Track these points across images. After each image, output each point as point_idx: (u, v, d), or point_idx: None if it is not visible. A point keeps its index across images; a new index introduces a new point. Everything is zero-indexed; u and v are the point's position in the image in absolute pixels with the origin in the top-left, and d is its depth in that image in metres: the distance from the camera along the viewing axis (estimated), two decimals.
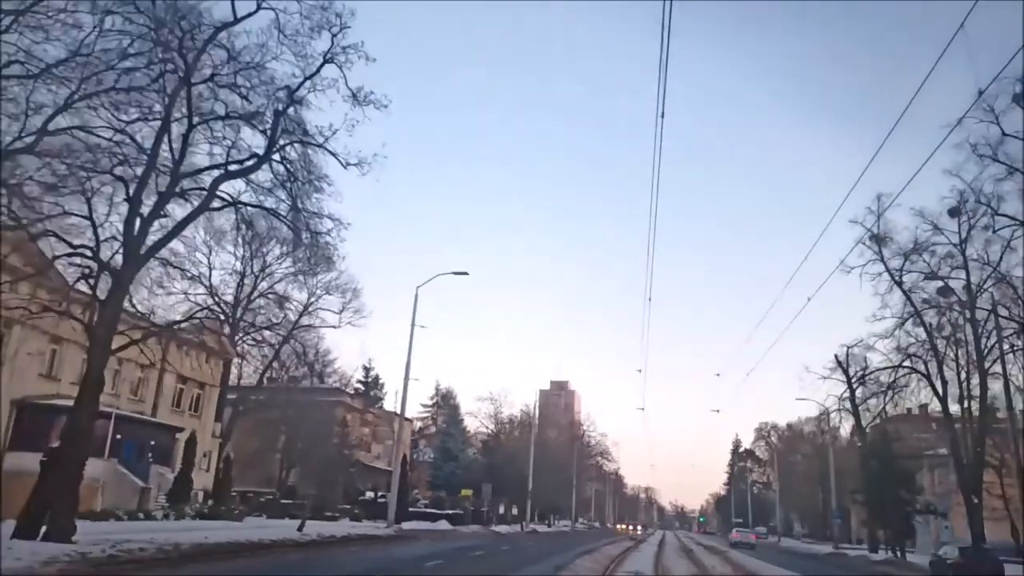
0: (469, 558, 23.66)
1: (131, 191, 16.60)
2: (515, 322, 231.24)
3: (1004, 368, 31.96)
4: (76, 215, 16.12)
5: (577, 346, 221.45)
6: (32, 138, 16.40)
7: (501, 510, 73.21)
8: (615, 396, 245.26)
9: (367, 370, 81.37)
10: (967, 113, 21.43)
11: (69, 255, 16.02)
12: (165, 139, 16.92)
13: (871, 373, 43.70)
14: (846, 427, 58.14)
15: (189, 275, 30.97)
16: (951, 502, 44.87)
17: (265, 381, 53.29)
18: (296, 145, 17.34)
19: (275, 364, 51.72)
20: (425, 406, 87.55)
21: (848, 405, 47.45)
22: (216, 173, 17.40)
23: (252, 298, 47.89)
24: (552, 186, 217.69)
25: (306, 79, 17.01)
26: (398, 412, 74.01)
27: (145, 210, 16.82)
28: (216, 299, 42.20)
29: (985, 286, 34.02)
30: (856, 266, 35.35)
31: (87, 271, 16.61)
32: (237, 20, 18.32)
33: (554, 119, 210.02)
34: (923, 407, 50.16)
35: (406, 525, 40.51)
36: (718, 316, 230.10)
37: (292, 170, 17.05)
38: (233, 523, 29.99)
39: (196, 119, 16.51)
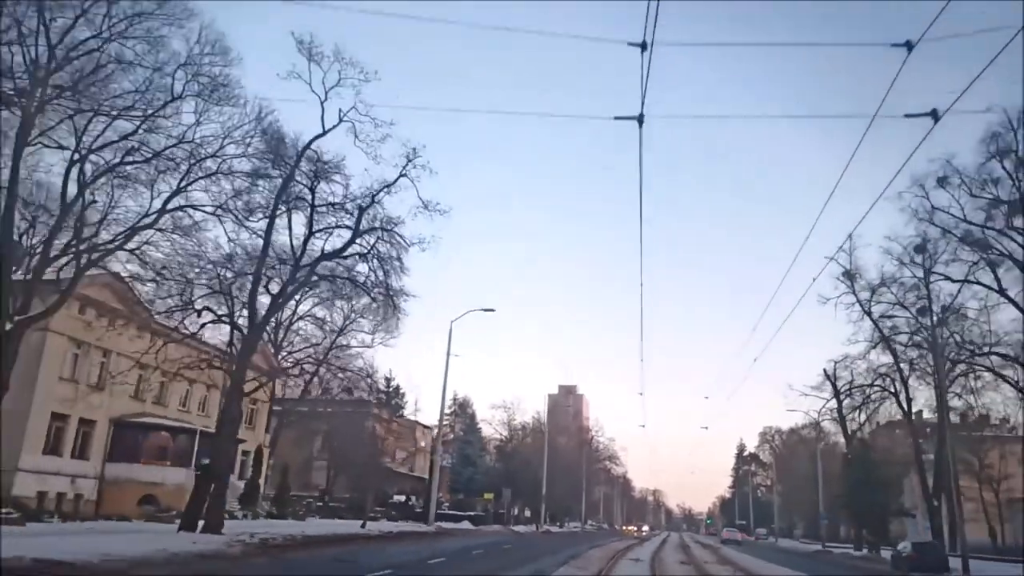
0: (502, 549, 29.24)
1: (256, 270, 22.28)
2: (524, 326, 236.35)
3: (942, 385, 36.32)
4: (216, 291, 21.84)
5: (585, 350, 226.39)
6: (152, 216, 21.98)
7: (515, 512, 78.67)
8: (622, 398, 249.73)
9: (388, 380, 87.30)
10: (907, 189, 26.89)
11: (214, 321, 21.80)
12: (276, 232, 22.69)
13: (852, 389, 48.98)
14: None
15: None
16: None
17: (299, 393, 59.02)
18: (379, 232, 23.03)
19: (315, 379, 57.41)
20: (444, 415, 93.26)
21: (836, 415, 52.86)
22: (315, 255, 23.18)
23: (293, 320, 53.66)
24: (553, 188, 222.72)
25: (385, 188, 22.72)
26: (420, 422, 79.92)
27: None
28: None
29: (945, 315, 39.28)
30: (831, 297, 40.88)
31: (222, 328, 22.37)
32: (325, 132, 24.00)
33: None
34: (918, 413, 55.30)
35: (415, 527, 45.94)
36: (722, 319, 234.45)
37: (376, 254, 22.78)
38: (298, 522, 35.60)
39: (315, 227, 22.30)
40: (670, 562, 27.88)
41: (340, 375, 55.69)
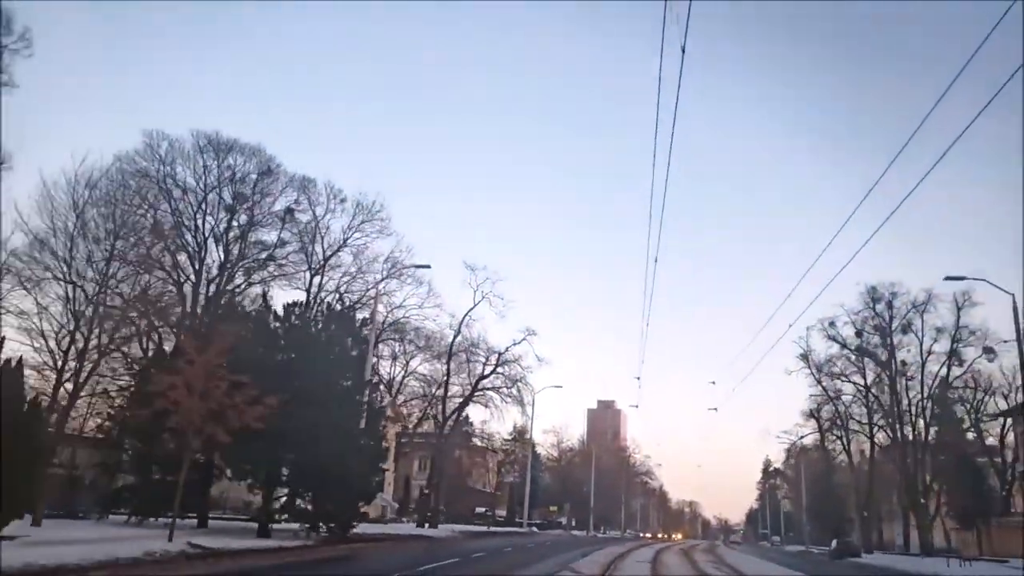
0: (574, 540, 48.68)
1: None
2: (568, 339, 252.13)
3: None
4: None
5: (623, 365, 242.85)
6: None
7: (563, 521, 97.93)
8: (666, 412, 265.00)
9: (444, 400, 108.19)
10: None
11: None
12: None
13: (825, 428, 67.14)
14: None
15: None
16: (897, 514, 67.40)
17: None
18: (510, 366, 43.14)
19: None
20: (506, 440, 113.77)
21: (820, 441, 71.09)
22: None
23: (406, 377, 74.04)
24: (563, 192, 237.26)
25: (513, 344, 42.67)
26: (490, 447, 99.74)
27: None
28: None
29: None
30: (794, 370, 59.44)
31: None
32: (475, 306, 44.13)
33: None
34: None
35: (511, 529, 65.35)
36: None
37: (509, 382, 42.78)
38: (445, 525, 55.43)
39: (485, 370, 42.44)
40: (670, 563, 46.87)
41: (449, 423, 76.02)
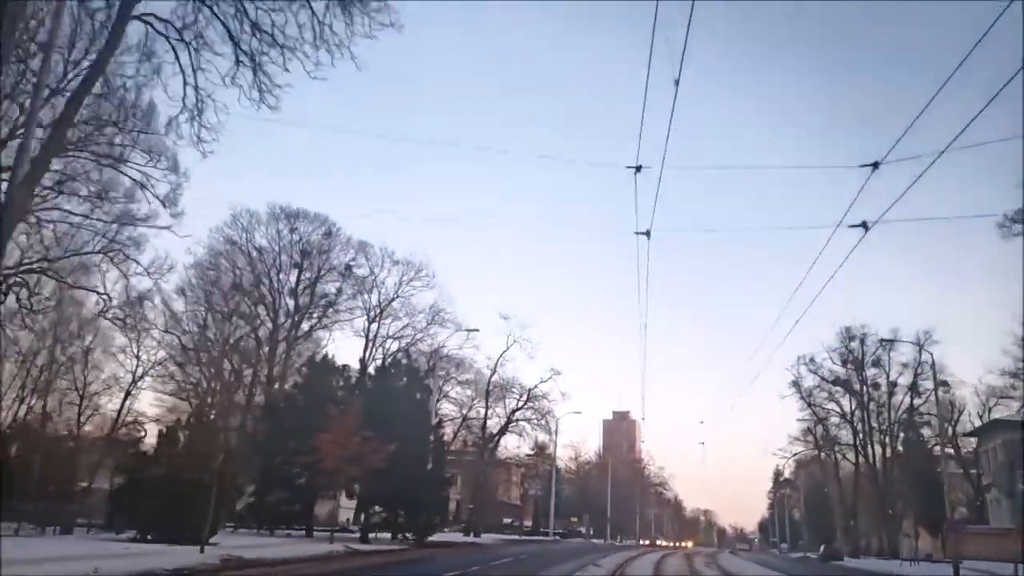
0: (593, 547, 56.99)
1: None
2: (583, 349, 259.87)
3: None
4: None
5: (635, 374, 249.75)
6: None
7: (583, 530, 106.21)
8: (678, 422, 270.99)
9: (484, 429, 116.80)
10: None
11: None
12: None
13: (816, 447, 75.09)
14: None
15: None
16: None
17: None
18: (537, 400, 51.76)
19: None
20: (527, 455, 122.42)
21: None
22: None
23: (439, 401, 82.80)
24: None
25: (541, 382, 51.27)
26: (513, 462, 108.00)
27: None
28: None
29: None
30: (787, 395, 67.48)
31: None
32: (507, 349, 52.91)
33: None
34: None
35: (538, 537, 73.69)
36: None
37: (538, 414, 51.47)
38: (487, 533, 63.86)
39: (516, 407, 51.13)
40: (672, 563, 55.07)
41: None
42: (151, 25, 19.58)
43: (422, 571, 22.17)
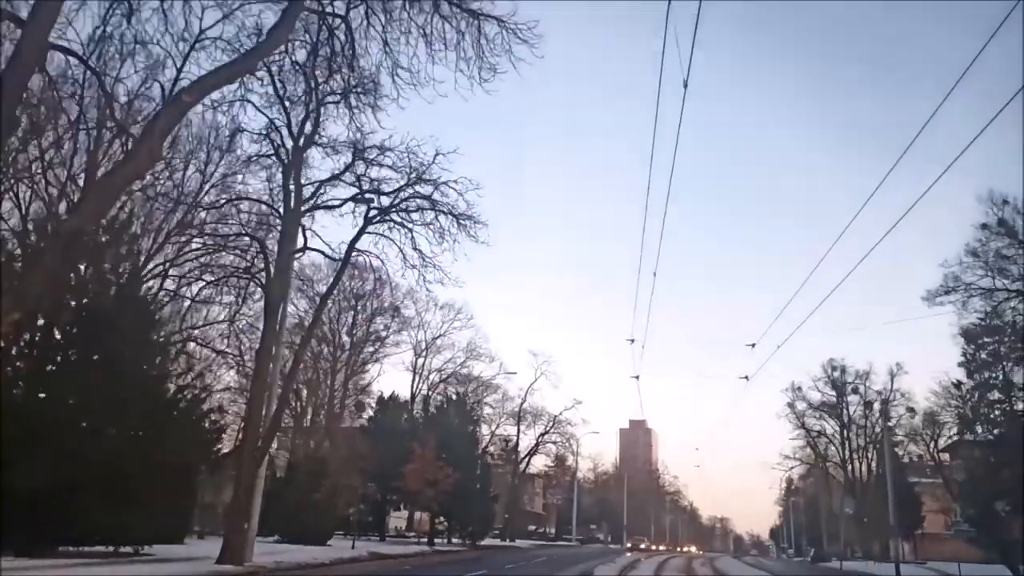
0: (611, 551, 65.84)
1: None
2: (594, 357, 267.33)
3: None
4: None
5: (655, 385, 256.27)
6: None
7: (601, 536, 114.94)
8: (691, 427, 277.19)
9: (506, 442, 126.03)
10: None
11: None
12: None
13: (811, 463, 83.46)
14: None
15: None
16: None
17: None
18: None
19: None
20: (548, 466, 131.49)
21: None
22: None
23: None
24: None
25: (564, 410, 60.43)
26: (539, 475, 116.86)
27: None
28: None
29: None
30: (782, 415, 75.98)
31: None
32: (533, 381, 62.10)
33: None
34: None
35: (561, 543, 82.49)
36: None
37: None
38: (514, 540, 72.86)
39: None
40: (675, 564, 63.82)
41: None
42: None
43: (494, 562, 31.33)
